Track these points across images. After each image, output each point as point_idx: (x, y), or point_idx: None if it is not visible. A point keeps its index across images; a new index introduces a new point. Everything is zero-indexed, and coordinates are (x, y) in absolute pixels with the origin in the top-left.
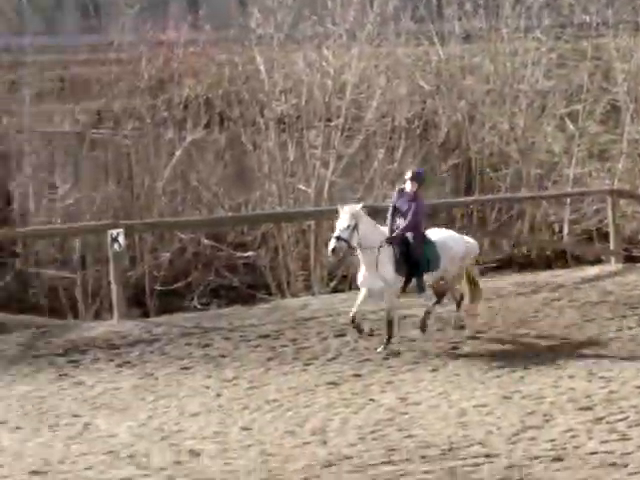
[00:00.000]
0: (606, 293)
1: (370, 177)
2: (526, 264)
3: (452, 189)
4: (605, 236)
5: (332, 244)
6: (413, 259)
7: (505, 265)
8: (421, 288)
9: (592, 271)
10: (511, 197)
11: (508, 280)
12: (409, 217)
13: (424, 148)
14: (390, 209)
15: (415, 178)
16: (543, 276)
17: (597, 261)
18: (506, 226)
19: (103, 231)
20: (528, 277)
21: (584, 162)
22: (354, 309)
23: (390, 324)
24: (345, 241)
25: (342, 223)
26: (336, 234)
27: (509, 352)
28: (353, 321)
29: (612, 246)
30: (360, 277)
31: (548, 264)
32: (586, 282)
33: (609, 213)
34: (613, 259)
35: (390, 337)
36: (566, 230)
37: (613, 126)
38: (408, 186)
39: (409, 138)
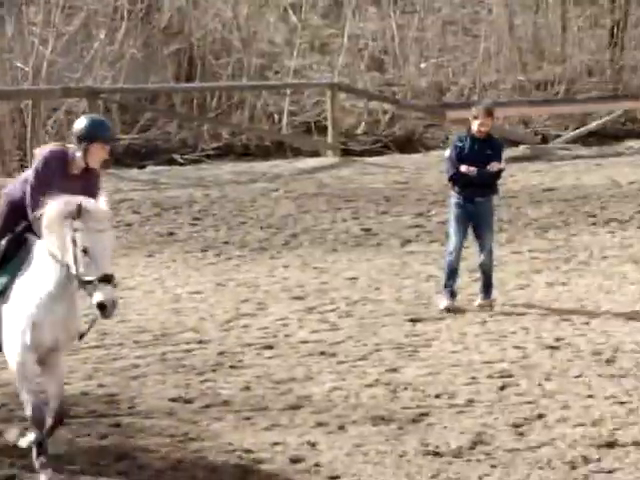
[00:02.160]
0: (322, 185)
1: (90, 57)
2: (245, 153)
3: (173, 75)
4: (323, 129)
5: None
6: None
7: (224, 153)
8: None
9: (309, 163)
10: (232, 85)
11: (226, 169)
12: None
13: (146, 31)
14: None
15: (106, 140)
16: (261, 166)
17: (315, 154)
18: (226, 114)
19: None
20: (246, 166)
21: (305, 54)
22: None
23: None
24: None
25: None
26: None
27: (225, 240)
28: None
29: (330, 139)
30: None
31: (267, 154)
32: (303, 174)
33: (328, 106)
34: (330, 152)
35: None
36: (285, 121)
37: (334, 20)
38: (79, 156)
39: (131, 20)
